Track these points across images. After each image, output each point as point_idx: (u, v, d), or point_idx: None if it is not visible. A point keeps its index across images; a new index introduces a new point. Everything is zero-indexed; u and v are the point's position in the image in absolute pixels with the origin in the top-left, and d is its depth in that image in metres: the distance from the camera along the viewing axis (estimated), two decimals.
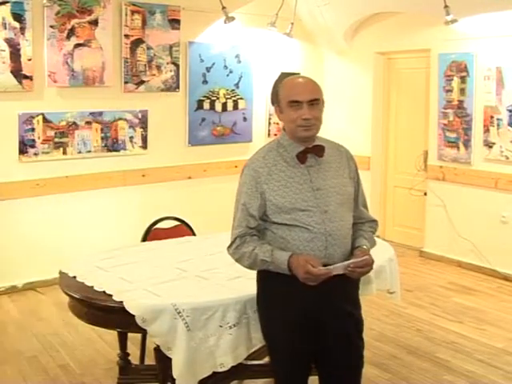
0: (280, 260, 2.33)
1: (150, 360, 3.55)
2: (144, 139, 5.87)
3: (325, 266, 2.31)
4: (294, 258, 2.31)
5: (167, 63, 5.91)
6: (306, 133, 2.42)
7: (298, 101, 2.38)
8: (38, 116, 5.22)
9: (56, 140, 5.34)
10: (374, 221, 2.66)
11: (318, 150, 2.45)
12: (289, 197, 2.39)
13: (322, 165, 2.46)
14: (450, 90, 5.94)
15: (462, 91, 5.85)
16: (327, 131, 8.22)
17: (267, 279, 2.46)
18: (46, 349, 4.16)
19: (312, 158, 2.44)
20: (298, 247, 2.37)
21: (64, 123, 5.37)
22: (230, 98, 6.41)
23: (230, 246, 2.48)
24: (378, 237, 5.41)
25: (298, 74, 2.59)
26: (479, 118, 5.73)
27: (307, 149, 2.44)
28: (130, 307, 2.64)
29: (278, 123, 6.76)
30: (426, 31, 6.13)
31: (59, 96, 5.35)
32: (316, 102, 2.42)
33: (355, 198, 2.57)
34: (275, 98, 2.52)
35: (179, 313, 2.59)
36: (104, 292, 2.80)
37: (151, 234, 3.90)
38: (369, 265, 2.38)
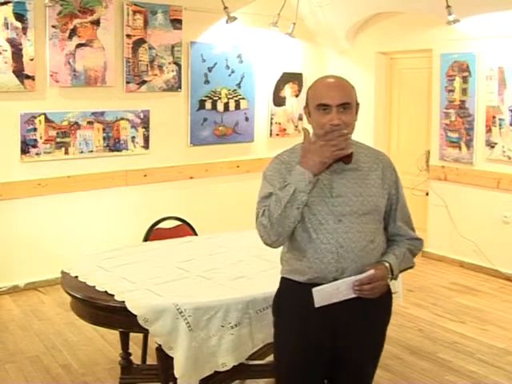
0: (296, 173, 2.14)
1: (151, 360, 3.55)
2: (146, 139, 5.87)
3: (336, 280, 2.19)
4: (301, 158, 2.15)
5: (169, 63, 5.91)
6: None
7: (326, 104, 2.18)
8: (39, 116, 5.22)
9: (58, 140, 5.34)
10: (418, 239, 2.42)
11: (345, 157, 2.21)
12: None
13: (348, 172, 2.26)
14: (452, 90, 5.94)
15: (464, 91, 5.84)
16: None
17: (283, 284, 2.35)
18: (47, 348, 4.16)
19: (339, 164, 2.23)
20: (309, 259, 2.22)
21: (66, 123, 5.37)
22: (231, 98, 6.41)
23: (256, 220, 2.25)
24: None
25: (331, 75, 2.38)
26: (481, 118, 5.72)
27: None
28: (132, 307, 2.64)
29: (279, 123, 6.77)
30: (428, 31, 6.12)
31: (61, 96, 5.35)
32: (348, 106, 2.20)
33: (390, 211, 2.37)
34: (306, 100, 2.32)
35: (181, 313, 2.59)
36: (106, 292, 2.80)
37: (153, 233, 3.90)
38: (378, 280, 2.18)
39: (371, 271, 2.17)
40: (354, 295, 2.18)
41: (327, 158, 2.13)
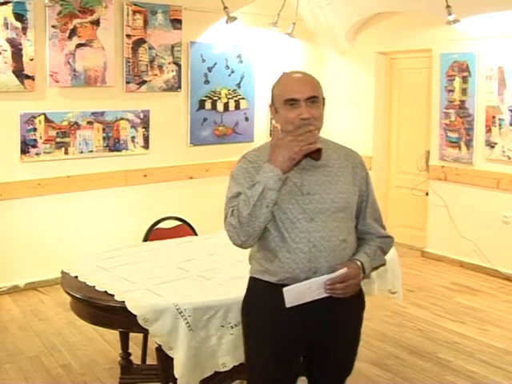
0: (265, 170, 2.10)
1: (151, 360, 3.55)
2: (146, 139, 5.87)
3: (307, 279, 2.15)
4: (270, 154, 2.12)
5: (169, 63, 5.91)
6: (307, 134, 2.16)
7: (294, 99, 2.16)
8: (39, 116, 5.22)
9: (58, 140, 5.34)
10: (388, 237, 2.39)
11: (315, 153, 2.19)
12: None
13: (318, 169, 2.22)
14: (452, 90, 5.94)
15: (464, 91, 5.84)
16: (329, 131, 8.20)
17: (253, 284, 2.31)
18: (47, 348, 4.16)
19: (308, 160, 2.20)
20: (280, 259, 2.18)
21: (66, 123, 5.37)
22: (231, 98, 6.41)
23: (224, 221, 2.20)
24: None
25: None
26: (481, 118, 5.72)
27: None
28: (132, 307, 2.64)
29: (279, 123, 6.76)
30: (427, 31, 6.12)
31: (61, 96, 5.35)
32: (315, 100, 2.19)
33: (360, 208, 2.32)
34: (271, 98, 2.30)
35: (181, 313, 2.59)
36: (106, 292, 2.80)
37: (153, 233, 3.90)
38: (350, 278, 2.15)
39: (344, 270, 2.14)
40: (326, 294, 2.15)
41: (296, 154, 2.09)
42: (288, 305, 2.14)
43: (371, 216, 2.36)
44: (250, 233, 2.14)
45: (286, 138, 2.11)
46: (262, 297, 2.27)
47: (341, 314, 2.23)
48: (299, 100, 2.16)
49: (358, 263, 2.22)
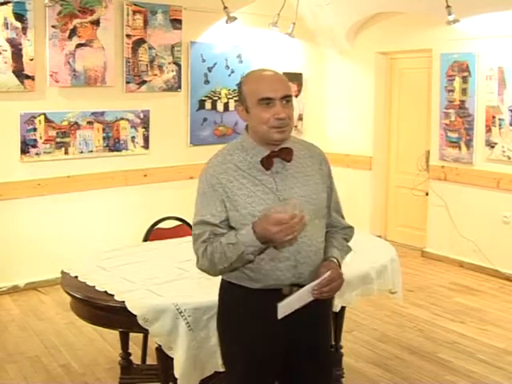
0: (245, 234, 2.03)
1: (151, 360, 3.55)
2: (146, 139, 5.87)
3: (293, 285, 2.12)
4: (257, 222, 2.01)
5: (169, 63, 5.91)
6: (281, 135, 2.11)
7: (270, 98, 2.07)
8: (39, 116, 5.22)
9: (58, 140, 5.34)
10: (350, 227, 2.38)
11: (286, 154, 2.14)
12: (251, 208, 2.09)
13: (289, 170, 2.16)
14: (452, 90, 5.94)
15: (464, 91, 5.84)
16: (329, 131, 8.23)
17: (230, 290, 2.23)
18: (47, 348, 4.16)
19: (279, 162, 2.14)
20: (263, 267, 2.12)
21: (66, 123, 5.37)
22: (231, 98, 6.41)
23: (197, 261, 2.17)
24: (379, 237, 5.42)
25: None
26: (481, 118, 5.72)
27: (273, 153, 2.14)
28: (132, 307, 2.64)
29: None
30: (427, 31, 6.13)
31: (61, 96, 5.35)
32: (289, 99, 2.12)
33: (328, 205, 2.28)
34: (239, 97, 2.20)
35: (181, 313, 2.59)
36: (106, 292, 2.80)
37: (153, 233, 3.91)
38: (335, 280, 2.11)
39: (328, 273, 2.09)
40: (312, 298, 2.11)
41: (279, 242, 2.01)
42: (280, 316, 2.10)
43: (334, 209, 2.34)
44: (224, 273, 2.19)
45: (277, 220, 1.96)
46: (243, 304, 2.19)
47: (314, 313, 2.21)
48: (274, 99, 2.08)
49: (335, 260, 2.20)
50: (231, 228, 2.14)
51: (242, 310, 2.19)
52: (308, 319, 2.19)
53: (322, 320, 2.30)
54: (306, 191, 2.17)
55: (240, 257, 2.06)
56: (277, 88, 2.10)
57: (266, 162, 2.14)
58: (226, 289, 2.27)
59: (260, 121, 2.11)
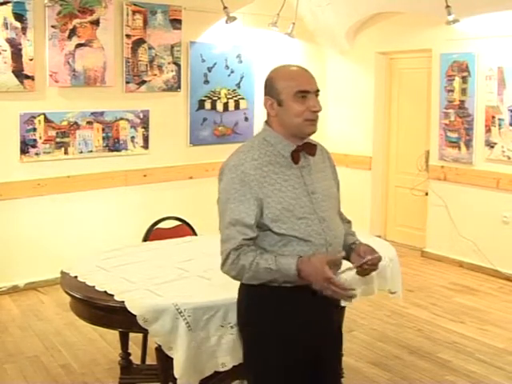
0: (287, 266, 2.02)
1: (151, 360, 3.55)
2: (145, 139, 5.87)
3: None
4: (305, 262, 2.01)
5: (168, 63, 5.91)
6: (313, 128, 2.15)
7: (307, 91, 2.12)
8: (39, 116, 5.22)
9: (57, 140, 5.34)
10: (349, 221, 2.46)
11: (310, 148, 2.19)
12: (285, 202, 2.10)
13: (311, 166, 2.21)
14: (452, 90, 5.94)
15: (464, 91, 5.85)
16: (328, 131, 8.21)
17: (256, 290, 2.16)
18: (47, 348, 4.16)
19: (302, 157, 2.18)
20: None
21: (65, 123, 5.37)
22: (231, 98, 6.41)
23: (223, 264, 2.13)
24: (379, 237, 5.43)
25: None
26: (481, 118, 5.72)
27: (299, 147, 2.18)
28: (132, 307, 2.64)
29: None
30: (427, 31, 6.13)
31: (61, 96, 5.35)
32: (318, 94, 2.17)
33: (338, 199, 2.36)
34: (268, 91, 2.22)
35: (180, 312, 2.59)
36: (105, 292, 2.80)
37: (152, 233, 3.90)
38: (379, 261, 2.19)
39: (377, 254, 2.17)
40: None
41: (319, 289, 2.02)
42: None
43: (340, 204, 2.40)
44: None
45: (329, 279, 1.99)
46: (273, 303, 2.15)
47: (333, 313, 2.28)
48: (310, 92, 2.13)
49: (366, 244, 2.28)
50: (260, 227, 2.11)
51: (274, 310, 2.15)
52: (332, 329, 2.28)
53: (340, 329, 2.39)
54: (327, 185, 2.24)
55: (271, 280, 2.08)
56: (312, 82, 2.16)
57: (295, 156, 2.16)
58: (250, 289, 2.19)
59: (295, 113, 2.13)
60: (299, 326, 2.14)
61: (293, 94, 2.12)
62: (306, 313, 2.14)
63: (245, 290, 2.23)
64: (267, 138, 2.20)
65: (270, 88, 2.20)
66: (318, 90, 2.17)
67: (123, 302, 2.68)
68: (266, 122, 2.25)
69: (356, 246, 2.25)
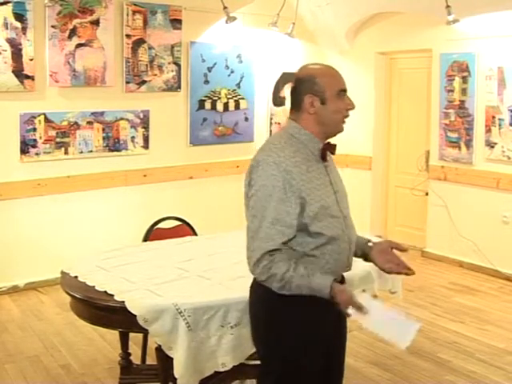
0: (321, 286, 2.05)
1: (151, 360, 3.55)
2: (145, 139, 5.87)
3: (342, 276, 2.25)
4: (340, 292, 2.05)
5: (169, 63, 5.91)
6: (344, 126, 2.24)
7: (345, 90, 2.21)
8: (39, 116, 5.22)
9: (57, 140, 5.34)
10: None
11: (333, 148, 2.23)
12: (323, 201, 2.11)
13: (331, 165, 2.27)
14: (452, 90, 5.94)
15: (464, 91, 5.85)
16: None
17: (281, 301, 2.13)
18: (47, 348, 4.16)
19: (327, 155, 2.23)
20: (328, 261, 2.14)
21: (65, 123, 5.37)
22: (231, 98, 6.41)
23: (256, 264, 2.08)
24: (379, 237, 5.41)
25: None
26: (481, 118, 5.72)
27: (325, 145, 2.22)
28: (132, 307, 2.64)
29: (279, 123, 6.76)
30: (427, 31, 6.13)
31: (61, 96, 5.35)
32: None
33: None
34: (310, 89, 2.17)
35: (180, 312, 2.59)
36: (105, 292, 2.80)
37: (153, 233, 3.90)
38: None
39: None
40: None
41: (344, 306, 2.06)
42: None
43: None
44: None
45: (355, 304, 2.04)
46: (297, 302, 2.13)
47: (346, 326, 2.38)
48: (346, 91, 2.22)
49: None
50: (302, 230, 2.10)
51: (296, 309, 2.14)
52: (344, 330, 2.36)
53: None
54: (342, 184, 2.31)
55: (299, 292, 2.09)
56: (344, 82, 2.23)
57: (324, 153, 2.20)
58: (268, 289, 2.15)
59: (336, 110, 2.18)
60: (319, 326, 2.17)
61: (336, 93, 2.17)
62: (325, 313, 2.15)
63: (262, 289, 2.18)
64: (296, 135, 2.19)
65: (313, 85, 2.17)
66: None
67: (123, 301, 2.68)
68: (294, 119, 2.22)
69: (374, 245, 2.29)
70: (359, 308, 2.03)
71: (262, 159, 2.13)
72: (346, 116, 2.21)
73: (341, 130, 2.23)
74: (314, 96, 2.17)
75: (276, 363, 2.21)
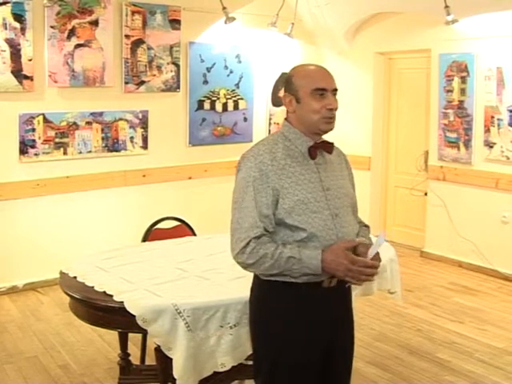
0: (311, 255, 2.07)
1: (150, 360, 3.55)
2: (144, 139, 5.87)
3: (332, 277, 2.18)
4: (327, 251, 2.08)
5: (168, 63, 5.91)
6: (329, 125, 2.20)
7: (324, 88, 2.16)
8: (38, 116, 5.22)
9: (56, 140, 5.34)
10: (367, 226, 2.48)
11: (328, 147, 2.25)
12: (301, 195, 2.14)
13: (327, 163, 2.26)
14: (451, 90, 5.94)
15: (463, 91, 5.85)
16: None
17: (274, 289, 2.18)
18: (46, 349, 4.16)
19: (319, 154, 2.23)
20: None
21: (64, 123, 5.37)
22: (230, 98, 6.41)
23: (241, 251, 2.12)
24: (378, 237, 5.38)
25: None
26: (480, 118, 5.72)
27: (316, 143, 2.23)
28: (131, 307, 2.64)
29: (278, 123, 6.76)
30: (426, 31, 6.13)
31: (60, 96, 5.35)
32: (336, 93, 2.22)
33: (355, 202, 2.40)
34: (288, 88, 2.24)
35: (180, 313, 2.59)
36: (104, 292, 2.80)
37: (152, 234, 3.90)
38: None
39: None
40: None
41: (341, 276, 2.10)
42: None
43: (356, 207, 2.42)
44: (264, 274, 2.19)
45: (354, 260, 2.08)
46: (286, 299, 2.19)
47: (348, 308, 2.40)
48: (327, 90, 2.18)
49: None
50: (279, 223, 2.14)
51: (285, 306, 2.18)
52: (345, 317, 2.37)
53: (352, 319, 2.45)
54: (342, 184, 2.29)
55: (292, 271, 2.10)
56: (330, 80, 2.20)
57: (313, 152, 2.21)
58: (263, 285, 2.23)
59: (312, 110, 2.18)
60: (312, 325, 2.19)
61: (310, 92, 2.17)
62: (319, 312, 2.19)
63: (259, 286, 2.25)
64: (286, 134, 2.25)
65: (289, 85, 2.24)
66: (335, 89, 2.21)
67: (122, 302, 2.68)
68: (286, 118, 2.29)
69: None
70: (359, 271, 2.07)
71: (244, 156, 2.25)
72: (327, 116, 2.17)
73: (324, 128, 2.21)
74: (290, 95, 2.23)
75: (264, 360, 2.25)
